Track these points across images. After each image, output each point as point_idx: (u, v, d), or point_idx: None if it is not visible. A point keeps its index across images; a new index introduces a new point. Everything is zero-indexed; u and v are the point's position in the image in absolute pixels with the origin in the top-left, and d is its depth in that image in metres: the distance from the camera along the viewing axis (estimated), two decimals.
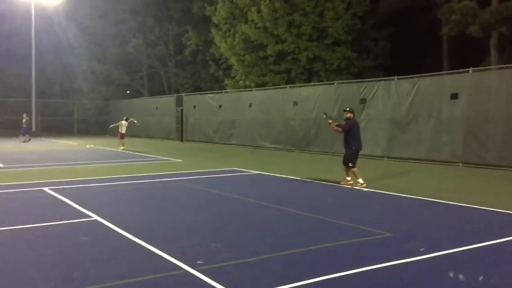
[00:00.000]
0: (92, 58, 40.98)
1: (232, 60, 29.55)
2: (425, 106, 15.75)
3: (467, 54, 24.40)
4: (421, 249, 5.50)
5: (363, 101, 17.77)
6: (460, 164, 14.64)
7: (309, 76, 27.34)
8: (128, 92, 44.05)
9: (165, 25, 39.73)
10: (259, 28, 27.31)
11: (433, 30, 25.07)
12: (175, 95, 33.51)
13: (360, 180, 10.27)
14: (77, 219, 7.25)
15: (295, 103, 21.05)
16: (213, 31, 30.95)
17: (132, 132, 30.16)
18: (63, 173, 12.97)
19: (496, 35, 22.05)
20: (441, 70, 23.93)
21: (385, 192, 9.82)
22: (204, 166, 15.15)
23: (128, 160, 17.49)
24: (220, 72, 33.60)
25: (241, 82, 29.34)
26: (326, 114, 11.81)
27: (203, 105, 27.82)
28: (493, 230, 6.73)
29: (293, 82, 26.57)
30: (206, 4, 31.91)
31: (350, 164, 10.42)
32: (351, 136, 10.54)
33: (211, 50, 33.56)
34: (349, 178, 10.66)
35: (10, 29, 38.72)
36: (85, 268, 4.93)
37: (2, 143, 27.14)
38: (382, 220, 7.27)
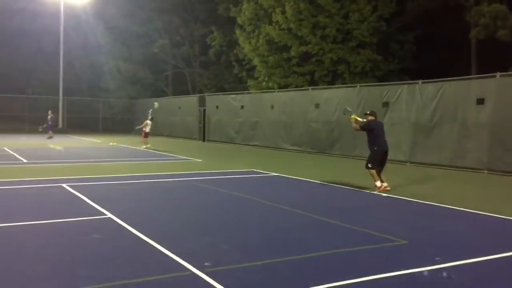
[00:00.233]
0: (119, 57, 41.59)
1: (256, 61, 29.51)
2: (450, 111, 15.37)
3: (497, 59, 23.72)
4: (436, 258, 5.30)
5: (385, 104, 17.47)
6: (485, 171, 14.22)
7: (333, 78, 27.06)
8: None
9: (190, 25, 40.00)
10: (283, 29, 27.19)
11: (462, 33, 24.49)
12: (198, 95, 33.68)
13: (378, 183, 10.03)
14: (90, 216, 7.29)
15: (317, 105, 20.86)
16: (238, 32, 30.99)
17: (155, 131, 30.42)
18: (83, 170, 13.13)
19: None
20: (469, 75, 23.35)
21: (404, 198, 9.58)
22: (223, 166, 15.12)
23: (149, 158, 17.62)
24: (244, 73, 33.60)
25: (264, 83, 29.27)
26: (347, 110, 11.36)
27: (225, 105, 27.86)
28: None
29: (316, 84, 26.35)
30: (231, 5, 31.98)
31: (369, 165, 10.17)
32: (372, 136, 10.29)
33: (235, 51, 33.60)
34: (384, 183, 10.26)
35: (40, 27, 39.68)
36: (92, 266, 4.92)
37: (29, 139, 27.76)
38: (398, 227, 7.07)
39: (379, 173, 10.32)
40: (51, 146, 22.54)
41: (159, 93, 42.58)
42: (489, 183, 12.52)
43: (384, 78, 25.34)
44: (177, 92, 41.22)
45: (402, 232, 6.65)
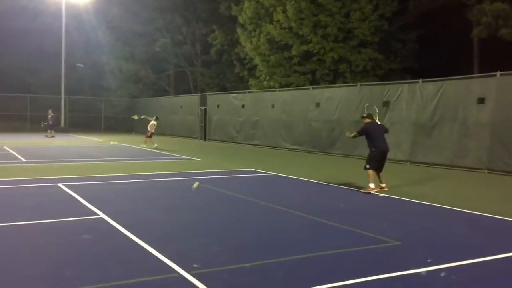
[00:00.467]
0: (121, 56, 41.62)
1: (257, 60, 29.45)
2: (450, 110, 15.26)
3: (499, 58, 23.56)
4: (428, 260, 5.23)
5: (386, 104, 17.37)
6: (486, 171, 14.11)
7: (334, 77, 26.97)
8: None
9: (192, 24, 39.99)
10: (284, 28, 27.12)
11: (464, 32, 24.34)
12: (199, 94, 33.65)
13: (372, 185, 9.93)
14: (83, 216, 7.25)
15: (318, 105, 20.78)
16: (239, 31, 30.95)
17: (157, 131, 30.32)
18: (81, 170, 13.10)
19: None
20: (472, 74, 23.22)
21: (402, 198, 9.50)
22: (222, 166, 15.07)
23: (148, 158, 17.59)
24: (245, 72, 33.55)
25: (265, 82, 29.22)
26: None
27: (226, 104, 27.81)
28: (509, 242, 6.37)
29: (317, 83, 26.26)
30: (232, 4, 31.92)
31: (367, 166, 10.09)
32: (370, 139, 10.29)
33: (236, 50, 33.56)
34: (382, 184, 10.27)
35: (42, 26, 39.74)
36: (80, 267, 4.88)
37: (30, 138, 27.79)
38: (393, 227, 7.00)
39: (378, 175, 10.25)
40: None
41: (161, 92, 42.60)
42: (488, 183, 12.41)
43: (386, 77, 25.21)
44: (179, 91, 41.20)
45: (396, 233, 6.57)
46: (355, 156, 17.81)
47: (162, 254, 5.30)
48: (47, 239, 5.96)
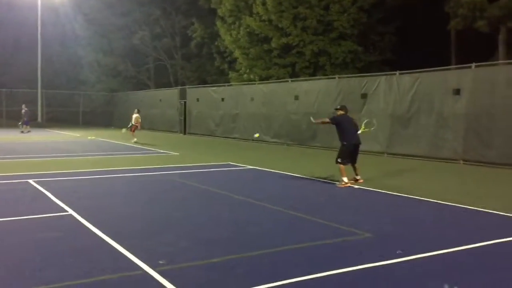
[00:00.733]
0: (99, 49, 40.99)
1: (237, 53, 29.27)
2: (427, 102, 15.35)
3: (476, 50, 23.83)
4: (398, 252, 5.21)
5: (364, 96, 17.40)
6: (461, 162, 14.25)
7: (314, 70, 26.96)
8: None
9: (171, 17, 39.55)
10: (263, 21, 26.99)
11: (442, 24, 24.51)
12: (179, 87, 33.34)
13: (345, 179, 9.89)
14: (51, 213, 7.07)
15: (297, 97, 20.73)
16: (218, 23, 30.70)
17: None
18: (55, 165, 12.84)
19: (504, 31, 21.48)
20: (449, 65, 23.42)
21: (377, 190, 9.50)
22: (200, 160, 14.94)
23: (125, 152, 17.35)
24: (225, 65, 33.35)
25: (245, 75, 29.06)
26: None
27: (206, 98, 27.59)
28: (479, 232, 6.39)
29: (297, 76, 26.22)
30: None
31: (339, 160, 10.06)
32: (341, 130, 10.23)
33: (216, 43, 33.32)
34: (357, 177, 10.25)
35: (17, 20, 38.86)
36: (42, 266, 4.74)
37: (5, 133, 27.20)
38: (366, 219, 6.98)
39: (354, 167, 10.23)
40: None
41: (141, 86, 42.12)
42: (463, 174, 12.51)
43: (365, 69, 25.28)
44: (159, 85, 40.79)
45: (369, 225, 6.56)
46: (334, 148, 17.77)
47: (128, 251, 5.18)
48: (11, 238, 5.78)
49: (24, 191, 8.87)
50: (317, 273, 4.51)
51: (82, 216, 6.77)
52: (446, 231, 6.44)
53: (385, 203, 8.48)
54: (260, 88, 23.54)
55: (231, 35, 29.19)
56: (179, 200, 8.38)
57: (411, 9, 26.13)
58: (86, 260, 4.95)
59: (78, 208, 7.26)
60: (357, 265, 4.76)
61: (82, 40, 40.71)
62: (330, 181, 10.53)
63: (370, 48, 26.86)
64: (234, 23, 29.70)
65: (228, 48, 31.04)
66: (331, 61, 26.23)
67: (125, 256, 5.03)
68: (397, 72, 16.67)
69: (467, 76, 14.49)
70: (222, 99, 25.93)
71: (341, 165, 9.93)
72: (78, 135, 27.81)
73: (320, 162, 15.04)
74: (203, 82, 36.90)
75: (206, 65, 38.00)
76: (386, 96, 16.74)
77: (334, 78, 19.77)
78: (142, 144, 20.82)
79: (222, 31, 30.38)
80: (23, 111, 28.40)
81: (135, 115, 22.75)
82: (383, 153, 16.51)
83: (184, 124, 29.93)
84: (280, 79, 25.65)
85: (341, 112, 10.38)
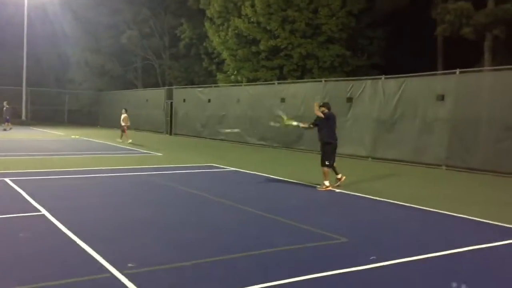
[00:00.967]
0: (86, 48, 40.60)
1: (225, 55, 29.16)
2: (411, 107, 15.39)
3: (463, 56, 23.99)
4: (371, 258, 5.16)
5: (349, 100, 17.40)
6: (444, 167, 14.30)
7: (302, 73, 26.94)
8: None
9: (160, 16, 39.32)
10: (252, 22, 26.91)
11: (430, 30, 24.66)
12: (166, 88, 33.13)
13: (327, 183, 9.80)
14: (24, 213, 6.92)
15: (283, 100, 20.68)
16: (207, 24, 30.55)
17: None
18: (34, 164, 12.62)
19: (490, 38, 21.67)
20: (436, 71, 23.54)
21: (358, 194, 9.46)
22: (183, 160, 14.81)
23: (108, 152, 17.14)
24: (213, 67, 33.22)
25: (233, 77, 28.96)
26: (279, 117, 10.88)
27: (192, 99, 27.43)
28: (458, 238, 6.38)
29: (285, 79, 26.18)
30: None
31: (327, 163, 9.89)
32: (329, 126, 9.87)
33: (204, 44, 33.17)
34: (338, 175, 10.00)
35: (4, 17, 38.35)
36: (6, 268, 4.60)
37: None
38: (343, 224, 6.92)
39: (333, 167, 10.06)
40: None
41: (128, 86, 41.79)
42: (445, 180, 12.53)
43: (353, 73, 25.32)
44: (147, 85, 40.50)
45: (345, 229, 6.50)
46: (319, 152, 17.76)
47: (98, 254, 5.05)
48: None
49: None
50: (286, 279, 4.43)
51: (55, 217, 6.62)
52: (424, 237, 6.40)
53: (365, 208, 8.43)
54: (247, 90, 23.47)
55: (219, 36, 29.07)
56: (156, 202, 8.26)
57: (400, 15, 26.25)
58: (55, 262, 4.84)
59: (52, 209, 7.11)
60: (328, 271, 4.69)
61: (71, 38, 40.27)
62: (311, 184, 10.47)
63: (358, 52, 26.93)
64: (222, 24, 29.59)
65: (216, 49, 30.92)
66: (319, 65, 26.24)
67: (95, 259, 4.91)
68: (383, 77, 16.71)
69: (451, 82, 14.56)
70: (209, 100, 25.80)
71: (326, 168, 9.84)
72: (62, 134, 27.48)
73: (304, 165, 15.00)
74: (191, 82, 36.72)
75: (194, 66, 37.81)
76: (371, 100, 16.75)
77: (321, 81, 19.75)
78: (126, 144, 20.61)
79: (210, 32, 30.25)
80: (4, 108, 27.99)
81: (123, 115, 22.43)
82: (367, 157, 16.51)
83: (170, 124, 29.73)
84: (267, 81, 25.60)
85: (323, 108, 10.04)
